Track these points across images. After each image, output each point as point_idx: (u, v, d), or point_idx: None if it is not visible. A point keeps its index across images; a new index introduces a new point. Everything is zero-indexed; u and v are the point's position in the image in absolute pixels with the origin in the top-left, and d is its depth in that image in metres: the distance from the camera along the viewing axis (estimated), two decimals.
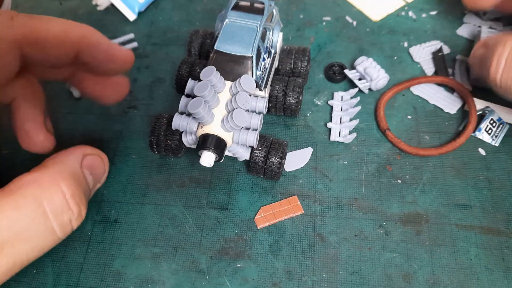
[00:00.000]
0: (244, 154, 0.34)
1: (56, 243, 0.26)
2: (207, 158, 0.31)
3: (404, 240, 0.34)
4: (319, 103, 0.42)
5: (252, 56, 0.33)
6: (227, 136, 0.32)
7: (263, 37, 0.34)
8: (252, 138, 0.32)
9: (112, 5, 0.51)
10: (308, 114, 0.41)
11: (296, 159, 0.38)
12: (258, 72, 0.34)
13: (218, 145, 0.31)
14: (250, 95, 0.32)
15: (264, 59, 0.34)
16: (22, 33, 0.28)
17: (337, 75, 0.43)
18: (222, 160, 0.32)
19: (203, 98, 0.30)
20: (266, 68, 0.35)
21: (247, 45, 0.33)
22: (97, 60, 0.31)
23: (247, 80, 0.32)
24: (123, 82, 0.35)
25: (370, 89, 0.42)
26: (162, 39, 0.48)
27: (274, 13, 0.37)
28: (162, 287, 0.33)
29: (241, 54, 0.33)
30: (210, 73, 0.31)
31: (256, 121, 0.32)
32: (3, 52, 0.27)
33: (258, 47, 0.33)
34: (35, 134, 0.32)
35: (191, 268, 0.34)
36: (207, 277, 0.33)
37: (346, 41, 0.46)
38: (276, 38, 0.37)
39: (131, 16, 0.50)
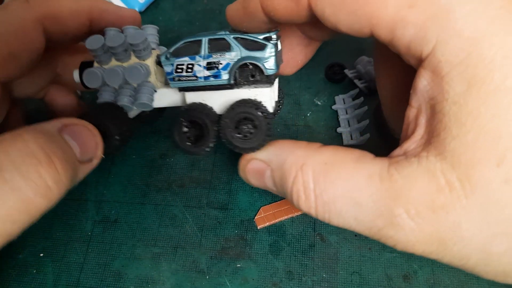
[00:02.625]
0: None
1: (33, 207, 0.21)
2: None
3: None
4: (319, 103, 0.42)
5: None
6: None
7: (215, 47, 0.28)
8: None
9: None
10: (308, 114, 0.41)
11: None
12: (167, 66, 0.28)
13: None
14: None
15: (198, 62, 0.28)
16: (40, 11, 0.30)
17: (337, 75, 0.43)
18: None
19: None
20: (195, 75, 0.29)
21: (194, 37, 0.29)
22: (110, 22, 0.32)
23: (134, 33, 0.28)
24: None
25: (370, 89, 0.42)
26: (162, 39, 0.48)
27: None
28: (162, 287, 0.33)
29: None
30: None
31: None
32: (29, 29, 0.29)
33: (195, 45, 0.28)
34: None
35: (191, 268, 0.34)
36: (207, 277, 0.33)
37: (346, 41, 0.46)
38: (234, 66, 0.28)
39: None
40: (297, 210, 0.36)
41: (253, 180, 0.28)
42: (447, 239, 0.21)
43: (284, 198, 0.36)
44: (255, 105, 0.27)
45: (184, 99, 0.30)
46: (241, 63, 0.28)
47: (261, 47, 0.27)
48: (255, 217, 0.36)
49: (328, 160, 0.24)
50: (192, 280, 0.33)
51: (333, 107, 0.41)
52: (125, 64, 0.29)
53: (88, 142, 0.26)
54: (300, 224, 0.35)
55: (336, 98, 0.42)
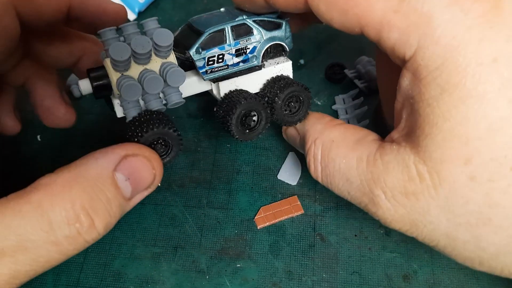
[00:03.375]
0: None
1: (67, 255, 0.23)
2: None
3: (404, 240, 0.34)
4: (319, 103, 0.42)
5: (204, 33, 0.29)
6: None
7: (238, 33, 0.29)
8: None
9: None
10: None
11: (290, 170, 0.38)
12: (198, 57, 0.29)
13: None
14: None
15: (228, 51, 0.29)
16: None
17: (337, 75, 0.43)
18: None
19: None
20: (226, 64, 0.30)
21: (209, 25, 0.29)
22: (89, 12, 0.30)
23: (161, 34, 0.26)
24: (70, 110, 0.34)
25: (370, 89, 0.42)
26: None
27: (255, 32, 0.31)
28: (162, 287, 0.33)
29: (199, 29, 0.29)
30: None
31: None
32: (2, 16, 0.26)
33: (219, 35, 0.29)
34: (56, 109, 0.33)
35: (191, 268, 0.34)
36: (207, 277, 0.33)
37: (346, 41, 0.46)
38: (262, 48, 0.31)
39: (131, 16, 0.50)
40: (297, 210, 0.36)
41: (291, 141, 0.34)
42: (417, 221, 0.24)
43: (284, 198, 0.36)
44: (299, 84, 0.31)
45: (208, 85, 0.31)
46: (269, 44, 0.30)
47: (278, 25, 0.30)
48: (255, 217, 0.36)
49: (335, 138, 0.28)
50: (192, 280, 0.33)
51: (333, 107, 0.41)
52: (148, 67, 0.27)
53: (144, 177, 0.26)
54: (300, 224, 0.35)
55: (336, 98, 0.42)
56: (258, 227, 0.35)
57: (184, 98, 0.29)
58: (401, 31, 0.22)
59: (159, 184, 0.27)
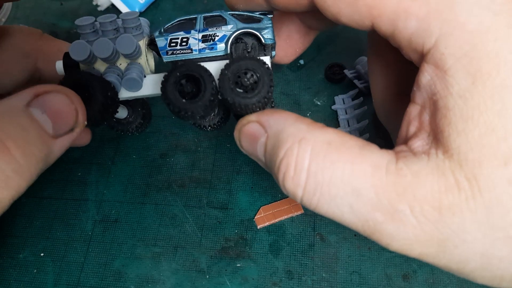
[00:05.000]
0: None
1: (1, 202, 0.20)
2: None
3: None
4: (318, 103, 0.42)
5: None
6: None
7: (211, 22, 0.28)
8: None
9: (112, 5, 0.51)
10: (308, 114, 0.41)
11: None
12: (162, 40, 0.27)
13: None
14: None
15: (193, 36, 0.27)
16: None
17: (337, 75, 0.43)
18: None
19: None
20: (189, 48, 0.28)
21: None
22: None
23: (123, 42, 0.27)
24: (85, 130, 0.33)
25: (370, 89, 0.42)
26: None
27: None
28: (162, 287, 0.33)
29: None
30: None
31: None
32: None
33: (189, 22, 0.28)
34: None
35: (191, 267, 0.34)
36: (207, 276, 0.33)
37: (346, 41, 0.46)
38: (231, 35, 0.28)
39: None
40: (297, 209, 0.36)
41: (245, 144, 0.26)
42: (448, 241, 0.20)
43: (284, 198, 0.36)
44: (256, 59, 0.25)
45: None
46: (239, 31, 0.27)
47: (258, 20, 0.27)
48: (255, 217, 0.36)
49: (332, 141, 0.22)
50: (192, 280, 0.33)
51: (333, 107, 0.41)
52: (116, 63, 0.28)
53: (65, 111, 0.23)
54: (300, 224, 0.35)
55: (336, 98, 0.42)
56: (258, 227, 0.35)
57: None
58: (420, 18, 0.20)
59: (86, 123, 0.25)
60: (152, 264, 0.34)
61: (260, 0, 0.26)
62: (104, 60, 0.27)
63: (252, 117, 0.25)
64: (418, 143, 0.21)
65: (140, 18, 0.29)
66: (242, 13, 0.27)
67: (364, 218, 0.21)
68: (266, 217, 0.36)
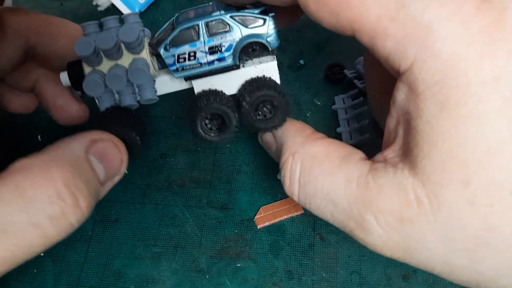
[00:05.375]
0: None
1: (50, 239, 0.22)
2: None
3: None
4: (318, 103, 0.42)
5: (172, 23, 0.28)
6: None
7: (213, 29, 0.28)
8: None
9: (112, 5, 0.51)
10: (308, 114, 0.41)
11: None
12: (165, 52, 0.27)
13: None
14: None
15: (200, 49, 0.28)
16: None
17: (337, 75, 0.43)
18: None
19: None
20: (199, 63, 0.28)
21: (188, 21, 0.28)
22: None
23: (126, 31, 0.26)
24: (82, 107, 0.35)
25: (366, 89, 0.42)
26: None
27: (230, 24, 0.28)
28: (162, 287, 0.33)
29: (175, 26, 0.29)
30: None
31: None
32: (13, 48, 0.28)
33: (192, 31, 0.28)
34: (69, 107, 0.34)
35: (191, 267, 0.34)
36: (207, 276, 0.33)
37: (346, 41, 0.46)
38: (239, 46, 0.28)
39: None
40: (297, 209, 0.36)
41: (266, 148, 0.31)
42: (412, 248, 0.22)
43: (284, 198, 0.36)
44: (272, 86, 0.27)
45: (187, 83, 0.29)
46: (245, 43, 0.27)
47: (259, 22, 0.27)
48: (255, 217, 0.36)
49: (317, 154, 0.25)
50: (192, 280, 0.33)
51: (333, 107, 0.41)
52: (119, 62, 0.28)
53: (114, 161, 0.26)
54: (300, 224, 0.35)
55: (336, 98, 0.42)
56: (258, 227, 0.35)
57: (159, 96, 0.29)
58: (397, 41, 0.20)
59: (126, 172, 0.27)
60: (152, 264, 0.34)
61: None
62: (108, 54, 0.27)
63: None
64: (391, 155, 0.23)
65: (128, 15, 0.28)
66: (242, 13, 0.27)
67: (343, 224, 0.24)
68: (266, 217, 0.36)
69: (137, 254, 0.35)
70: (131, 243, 0.35)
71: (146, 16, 0.51)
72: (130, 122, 0.27)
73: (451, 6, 0.19)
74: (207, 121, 0.28)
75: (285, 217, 0.35)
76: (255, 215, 0.36)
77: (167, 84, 0.29)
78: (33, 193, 0.21)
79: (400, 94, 0.22)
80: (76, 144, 0.24)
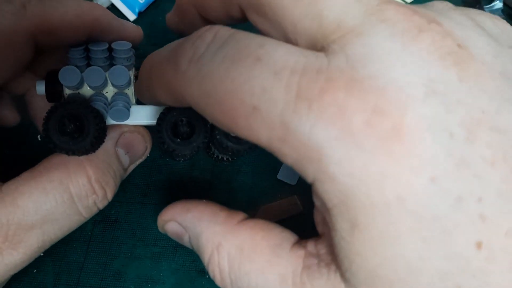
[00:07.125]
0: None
1: (82, 222, 0.27)
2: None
3: None
4: None
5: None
6: None
7: None
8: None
9: (112, 5, 0.51)
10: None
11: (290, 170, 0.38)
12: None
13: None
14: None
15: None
16: (36, 23, 0.26)
17: None
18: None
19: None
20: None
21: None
22: (107, 40, 0.30)
23: (116, 73, 0.27)
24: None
25: None
26: (162, 39, 0.48)
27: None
28: (162, 287, 0.33)
29: None
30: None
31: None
32: (18, 45, 0.26)
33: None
34: None
35: (191, 267, 0.34)
36: (207, 276, 0.33)
37: None
38: None
39: (131, 16, 0.50)
40: (297, 210, 0.36)
41: (174, 239, 0.29)
42: None
43: (284, 198, 0.36)
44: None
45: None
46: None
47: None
48: (255, 217, 0.36)
49: (243, 246, 0.23)
50: (192, 280, 0.33)
51: None
52: (102, 91, 0.28)
53: (138, 148, 0.29)
54: (300, 224, 0.35)
55: None
56: None
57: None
58: (294, 160, 0.19)
59: (149, 154, 0.31)
60: (152, 264, 0.34)
61: (192, 14, 0.29)
62: (93, 87, 0.27)
63: (167, 216, 0.28)
64: (323, 251, 0.22)
65: (118, 43, 0.28)
66: None
67: None
68: (266, 217, 0.36)
69: (137, 254, 0.35)
70: (131, 243, 0.35)
71: (146, 16, 0.51)
72: (96, 119, 0.26)
73: (338, 125, 0.17)
74: (176, 128, 0.26)
75: (285, 217, 0.35)
76: (255, 215, 0.36)
77: (140, 114, 0.28)
78: (75, 189, 0.25)
79: (316, 201, 0.21)
80: (109, 142, 0.27)
